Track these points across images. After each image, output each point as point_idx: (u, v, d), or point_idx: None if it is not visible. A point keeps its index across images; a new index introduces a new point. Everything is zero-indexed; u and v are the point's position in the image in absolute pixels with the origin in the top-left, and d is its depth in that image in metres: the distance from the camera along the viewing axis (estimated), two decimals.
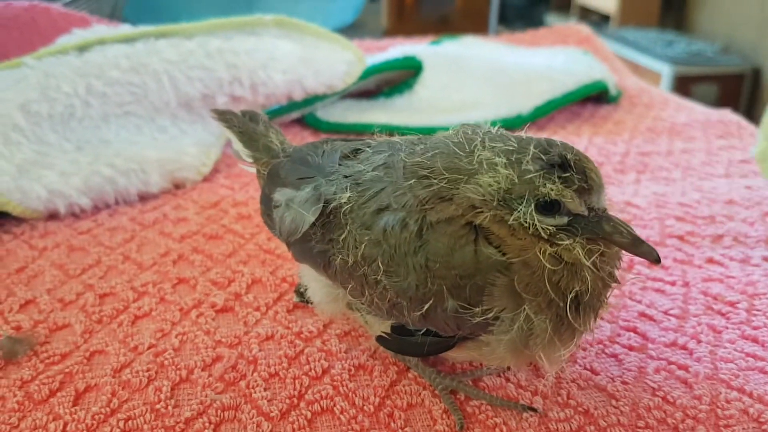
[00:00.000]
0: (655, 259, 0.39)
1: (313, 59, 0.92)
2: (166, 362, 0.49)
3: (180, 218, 0.71)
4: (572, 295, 0.39)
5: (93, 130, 0.76)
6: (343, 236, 0.43)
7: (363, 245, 0.42)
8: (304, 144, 0.53)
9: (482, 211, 0.39)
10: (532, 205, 0.38)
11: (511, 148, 0.40)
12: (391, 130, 0.94)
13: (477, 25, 1.56)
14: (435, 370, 0.48)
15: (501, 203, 0.39)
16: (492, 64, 1.08)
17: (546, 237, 0.39)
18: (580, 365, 0.49)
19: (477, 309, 0.39)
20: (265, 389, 0.47)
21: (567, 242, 0.39)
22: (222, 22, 0.90)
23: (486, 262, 0.39)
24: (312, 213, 0.44)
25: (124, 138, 0.78)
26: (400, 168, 0.43)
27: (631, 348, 0.52)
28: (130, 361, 0.50)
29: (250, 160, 0.55)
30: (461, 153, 0.40)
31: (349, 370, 0.49)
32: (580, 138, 0.97)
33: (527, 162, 0.39)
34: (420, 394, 0.47)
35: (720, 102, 2.27)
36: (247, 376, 0.48)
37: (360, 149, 0.48)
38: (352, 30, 1.76)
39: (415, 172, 0.41)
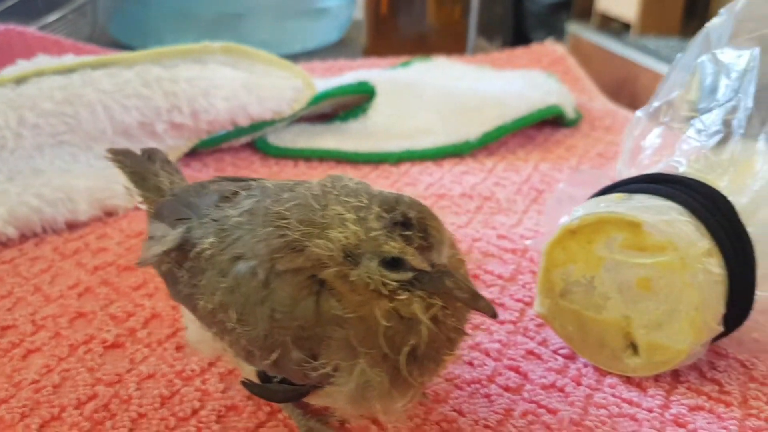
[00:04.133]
0: (492, 315, 0.40)
1: (258, 85, 0.93)
2: (42, 399, 0.50)
3: (101, 248, 0.72)
4: (407, 349, 0.39)
5: (26, 160, 0.78)
6: (203, 282, 0.44)
7: (219, 292, 0.42)
8: (193, 183, 0.54)
9: (328, 266, 0.39)
10: (377, 262, 0.39)
11: (361, 204, 0.40)
12: (340, 156, 0.96)
13: (457, 42, 1.56)
14: (302, 411, 0.48)
15: (347, 259, 0.39)
16: (445, 90, 1.08)
17: (386, 293, 0.39)
18: (449, 406, 0.49)
19: (316, 362, 0.40)
20: (129, 430, 0.47)
21: (404, 297, 0.39)
22: (168, 51, 0.92)
23: (326, 315, 0.39)
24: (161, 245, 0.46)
25: (58, 167, 0.79)
26: (261, 215, 0.43)
27: (506, 388, 0.51)
28: (10, 396, 0.50)
29: (140, 199, 0.56)
30: (317, 206, 0.41)
31: (219, 411, 0.49)
32: (527, 164, 0.96)
33: (372, 219, 0.39)
34: None
35: None
36: (116, 415, 0.49)
37: (238, 192, 0.49)
38: (337, 48, 1.76)
39: (273, 222, 0.42)
